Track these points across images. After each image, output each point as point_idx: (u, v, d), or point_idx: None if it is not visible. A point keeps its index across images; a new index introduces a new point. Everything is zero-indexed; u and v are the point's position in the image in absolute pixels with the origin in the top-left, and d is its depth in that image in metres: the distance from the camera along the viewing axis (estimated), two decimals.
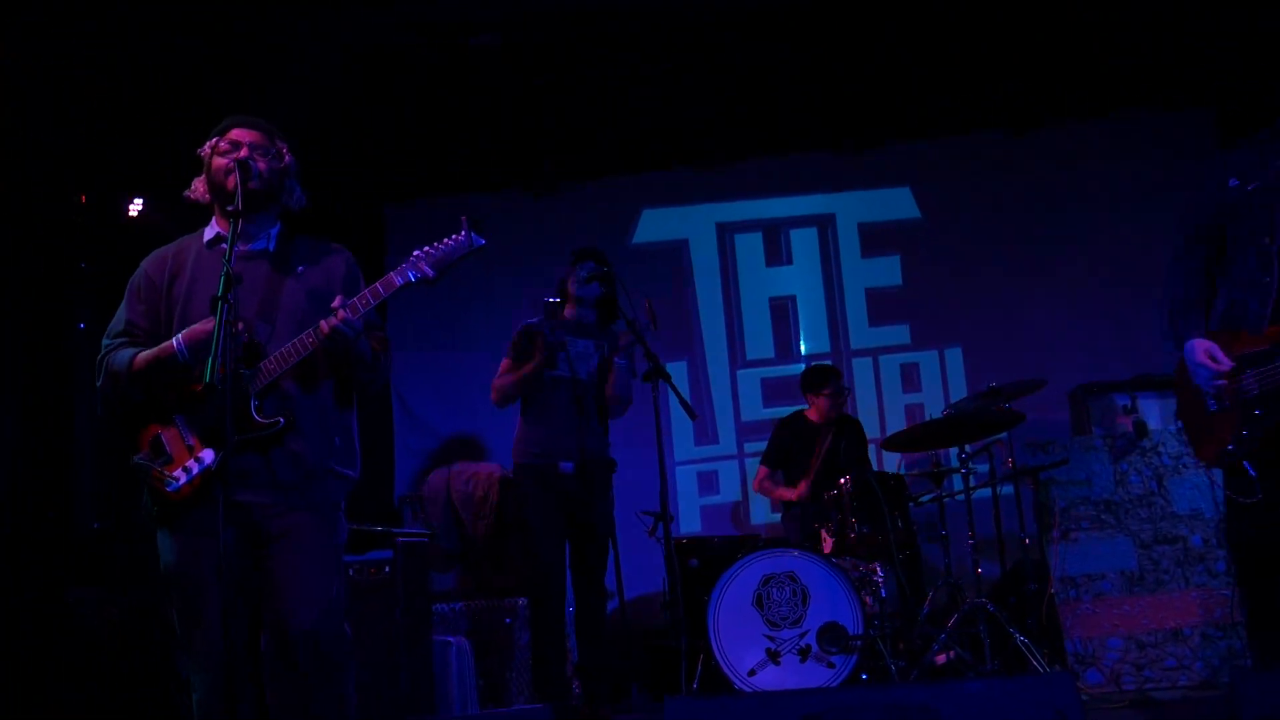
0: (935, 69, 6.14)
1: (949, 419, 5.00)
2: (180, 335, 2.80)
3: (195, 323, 2.80)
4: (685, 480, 6.82)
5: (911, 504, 5.18)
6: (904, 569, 5.30)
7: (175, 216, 3.87)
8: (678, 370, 6.84)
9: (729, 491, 6.81)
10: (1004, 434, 5.13)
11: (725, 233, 7.03)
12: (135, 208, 6.41)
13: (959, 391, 6.51)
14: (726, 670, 4.47)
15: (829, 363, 6.24)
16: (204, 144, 2.97)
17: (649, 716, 4.81)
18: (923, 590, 5.38)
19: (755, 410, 6.83)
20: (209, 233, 2.99)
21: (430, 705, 4.60)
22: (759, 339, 6.93)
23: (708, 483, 6.83)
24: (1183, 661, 4.54)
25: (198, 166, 3.00)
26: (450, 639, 5.09)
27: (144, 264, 3.00)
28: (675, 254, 7.03)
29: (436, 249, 2.83)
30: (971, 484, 5.05)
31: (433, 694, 4.70)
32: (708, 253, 7.01)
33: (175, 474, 2.76)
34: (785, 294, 6.96)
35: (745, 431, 6.82)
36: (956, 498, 5.11)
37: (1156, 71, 6.25)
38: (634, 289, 4.45)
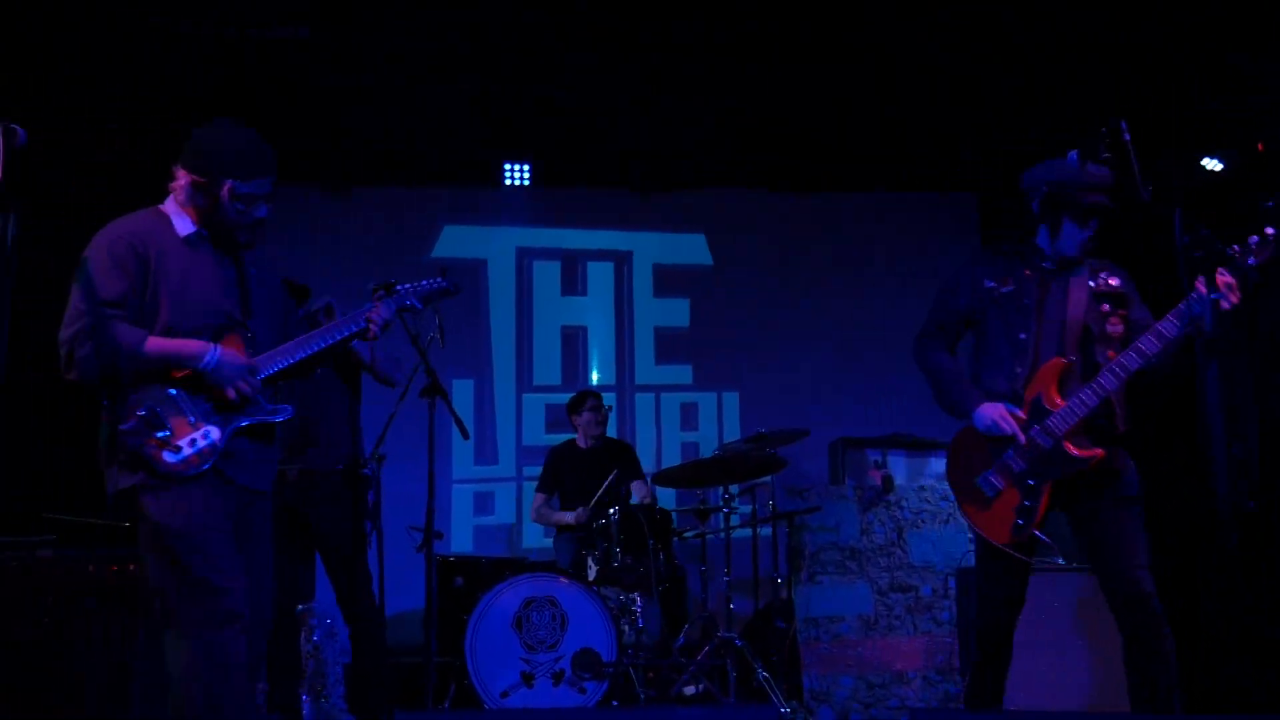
0: (731, 124, 6.45)
1: (718, 459, 5.23)
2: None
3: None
4: (461, 499, 6.79)
5: (676, 539, 5.36)
6: (664, 601, 5.48)
7: None
8: (464, 388, 6.82)
9: (504, 513, 6.83)
10: (768, 478, 5.41)
11: (525, 257, 7.09)
12: None
13: (732, 434, 6.79)
14: (480, 690, 4.48)
15: (610, 394, 6.40)
16: None
17: None
18: (681, 623, 5.57)
19: (537, 435, 6.89)
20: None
21: None
22: (547, 365, 7.02)
23: (483, 503, 6.82)
24: (905, 702, 4.89)
25: None
26: None
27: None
28: (473, 273, 7.03)
29: None
30: (734, 523, 5.28)
31: None
32: (505, 275, 7.05)
33: None
34: (577, 324, 7.08)
35: (525, 455, 6.86)
36: (719, 535, 5.34)
37: (926, 156, 6.79)
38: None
